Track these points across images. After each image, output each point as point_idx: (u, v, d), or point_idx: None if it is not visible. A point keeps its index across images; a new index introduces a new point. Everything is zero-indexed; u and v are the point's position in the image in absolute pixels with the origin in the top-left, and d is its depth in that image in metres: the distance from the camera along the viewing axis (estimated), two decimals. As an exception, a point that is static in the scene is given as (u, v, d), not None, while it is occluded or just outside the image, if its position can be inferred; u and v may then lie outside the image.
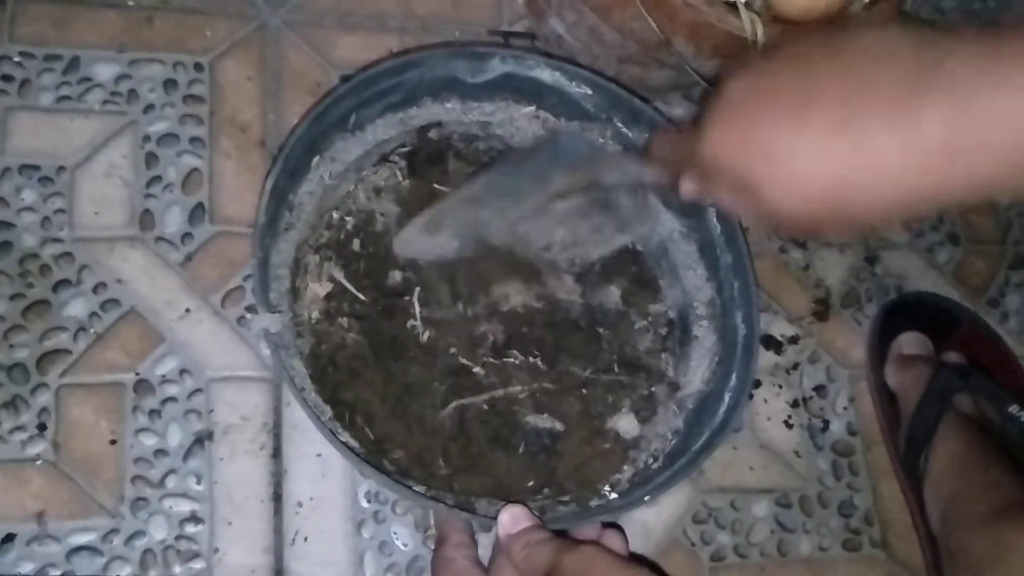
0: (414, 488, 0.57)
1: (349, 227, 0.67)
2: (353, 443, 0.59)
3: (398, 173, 0.69)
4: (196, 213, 0.70)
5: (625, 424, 0.66)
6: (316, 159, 0.65)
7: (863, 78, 0.41)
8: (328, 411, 0.60)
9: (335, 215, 0.67)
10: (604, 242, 0.66)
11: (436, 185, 0.70)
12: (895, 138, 0.39)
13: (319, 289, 0.64)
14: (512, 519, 0.53)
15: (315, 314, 0.63)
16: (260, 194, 0.58)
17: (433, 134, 0.71)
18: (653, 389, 0.67)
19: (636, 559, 0.55)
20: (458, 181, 0.70)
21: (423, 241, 0.65)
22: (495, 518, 0.54)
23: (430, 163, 0.70)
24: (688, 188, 0.52)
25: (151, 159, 0.70)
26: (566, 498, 0.62)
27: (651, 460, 0.64)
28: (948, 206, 0.42)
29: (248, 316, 0.68)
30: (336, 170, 0.67)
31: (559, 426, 0.64)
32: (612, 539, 0.55)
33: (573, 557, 0.49)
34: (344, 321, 0.64)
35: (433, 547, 0.58)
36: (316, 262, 0.65)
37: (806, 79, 0.43)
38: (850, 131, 0.40)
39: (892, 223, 0.47)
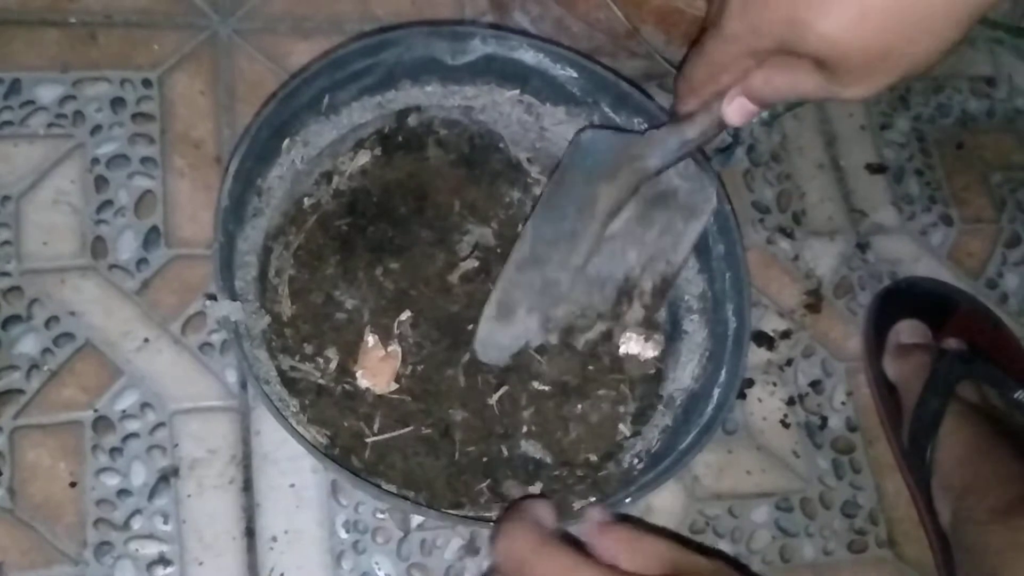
0: (382, 486, 0.55)
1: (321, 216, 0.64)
2: (320, 441, 0.56)
3: (375, 160, 0.66)
4: (151, 237, 0.66)
5: None
6: (287, 142, 0.62)
7: None
8: (295, 404, 0.57)
9: (307, 202, 0.64)
10: (681, 239, 0.62)
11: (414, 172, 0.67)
12: None
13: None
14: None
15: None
16: (223, 177, 0.55)
17: (412, 119, 0.67)
18: (640, 387, 0.64)
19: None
20: (438, 168, 0.67)
21: (504, 334, 0.61)
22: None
23: (409, 149, 0.67)
24: (735, 108, 0.52)
25: (101, 183, 0.67)
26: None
27: (636, 461, 0.61)
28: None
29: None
30: (309, 155, 0.63)
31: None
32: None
33: None
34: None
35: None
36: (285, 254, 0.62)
37: None
38: None
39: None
